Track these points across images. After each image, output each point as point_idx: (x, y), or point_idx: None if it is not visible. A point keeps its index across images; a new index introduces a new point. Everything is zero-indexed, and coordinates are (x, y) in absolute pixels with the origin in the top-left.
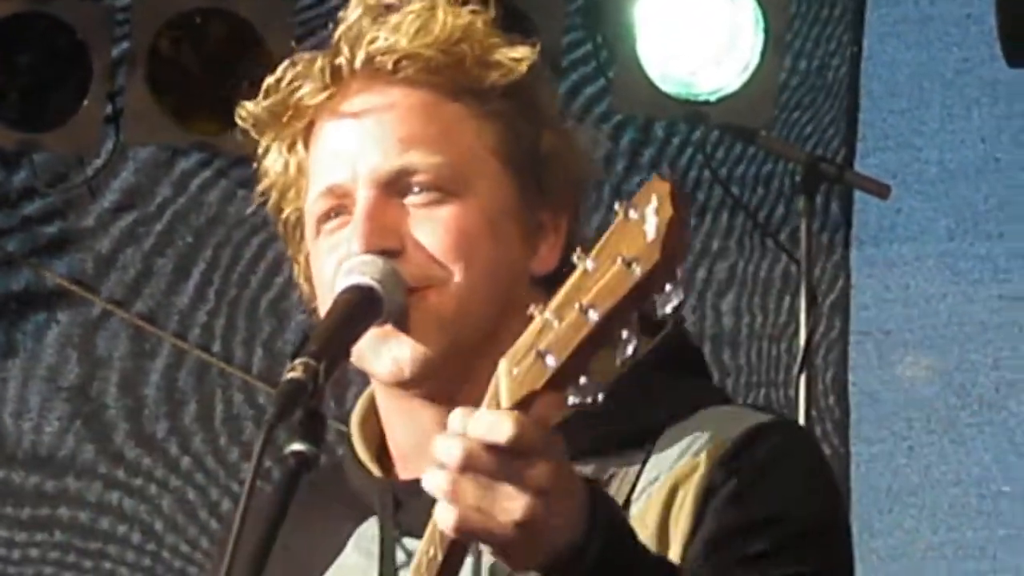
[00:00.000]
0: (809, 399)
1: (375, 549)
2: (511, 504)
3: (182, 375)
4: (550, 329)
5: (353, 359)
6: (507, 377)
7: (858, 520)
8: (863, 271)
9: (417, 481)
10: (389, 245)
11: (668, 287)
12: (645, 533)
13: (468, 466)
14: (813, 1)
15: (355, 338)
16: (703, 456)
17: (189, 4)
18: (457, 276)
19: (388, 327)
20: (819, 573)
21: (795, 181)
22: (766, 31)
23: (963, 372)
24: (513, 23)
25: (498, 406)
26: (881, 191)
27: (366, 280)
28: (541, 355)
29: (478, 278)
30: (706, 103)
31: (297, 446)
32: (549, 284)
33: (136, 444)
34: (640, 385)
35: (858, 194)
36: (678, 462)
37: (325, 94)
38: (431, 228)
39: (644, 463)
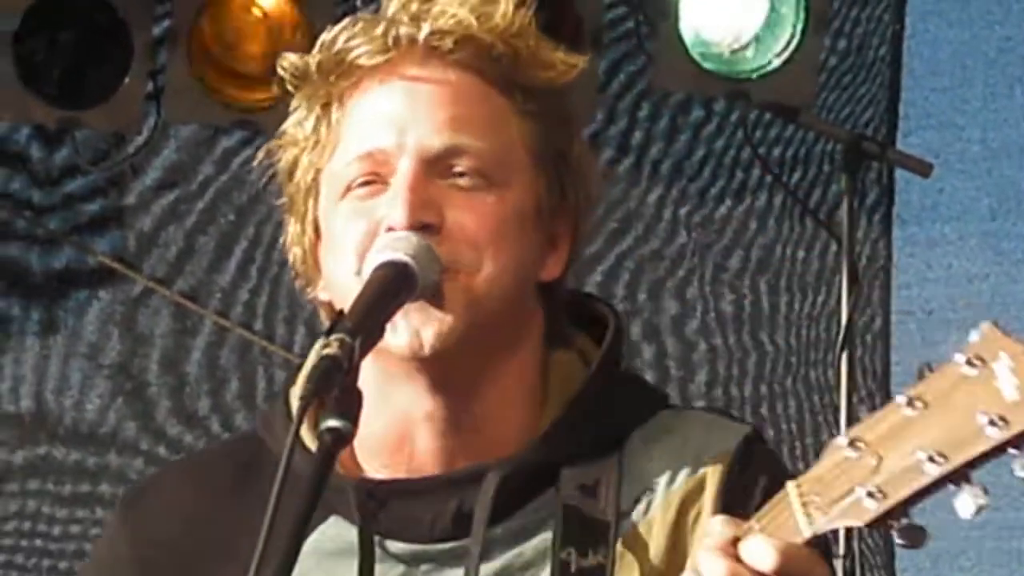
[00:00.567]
0: (851, 379)
1: (348, 552)
2: None
3: (224, 353)
4: (865, 464)
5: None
6: (800, 501)
7: None
8: (905, 250)
9: (397, 481)
10: (430, 220)
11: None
12: (653, 547)
13: None
14: None
15: (390, 315)
16: (708, 472)
17: None
18: (487, 265)
19: (416, 303)
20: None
21: (835, 160)
22: (807, 9)
23: None
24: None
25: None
26: (923, 169)
27: (401, 256)
28: (859, 491)
29: (503, 271)
30: (747, 81)
31: (333, 422)
32: (547, 294)
33: (178, 421)
34: (595, 392)
35: (900, 173)
36: (675, 479)
37: (383, 57)
38: (469, 213)
39: (620, 469)
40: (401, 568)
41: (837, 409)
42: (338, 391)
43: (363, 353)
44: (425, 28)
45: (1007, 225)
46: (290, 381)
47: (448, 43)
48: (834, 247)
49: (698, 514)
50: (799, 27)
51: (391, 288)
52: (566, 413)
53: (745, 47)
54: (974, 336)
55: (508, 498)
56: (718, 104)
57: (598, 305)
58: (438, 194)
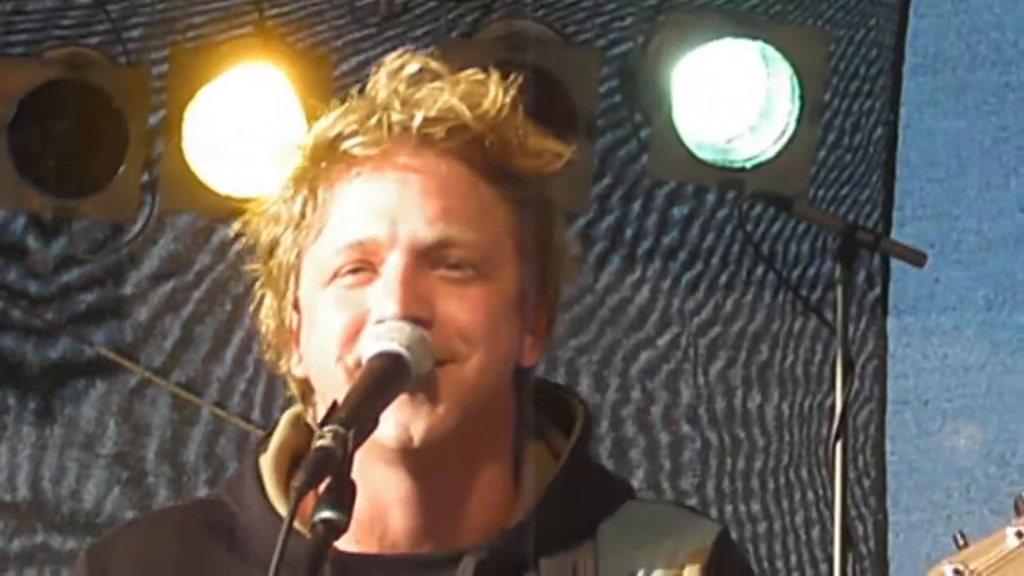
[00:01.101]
0: (845, 466)
1: None
2: None
3: (222, 442)
4: None
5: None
6: None
7: None
8: (901, 340)
9: (370, 556)
10: (423, 314)
11: None
12: None
13: None
14: (850, 69)
15: (384, 406)
16: (686, 572)
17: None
18: (477, 356)
19: (406, 396)
20: None
21: (830, 244)
22: (802, 99)
23: (1003, 442)
24: (548, 87)
25: None
26: (917, 259)
27: (396, 347)
28: None
29: (493, 361)
30: (741, 170)
31: (326, 514)
32: (521, 379)
33: None
34: (567, 484)
35: (896, 263)
36: (652, 572)
37: (377, 149)
38: (460, 304)
39: (595, 558)
40: None
41: (831, 501)
42: (332, 482)
43: (357, 444)
44: (418, 116)
45: (1003, 315)
46: (259, 449)
47: (440, 131)
48: (827, 335)
49: None
50: (794, 116)
51: (385, 379)
52: (540, 504)
53: (740, 136)
54: None
55: None
56: (710, 193)
57: (566, 395)
58: (429, 286)
